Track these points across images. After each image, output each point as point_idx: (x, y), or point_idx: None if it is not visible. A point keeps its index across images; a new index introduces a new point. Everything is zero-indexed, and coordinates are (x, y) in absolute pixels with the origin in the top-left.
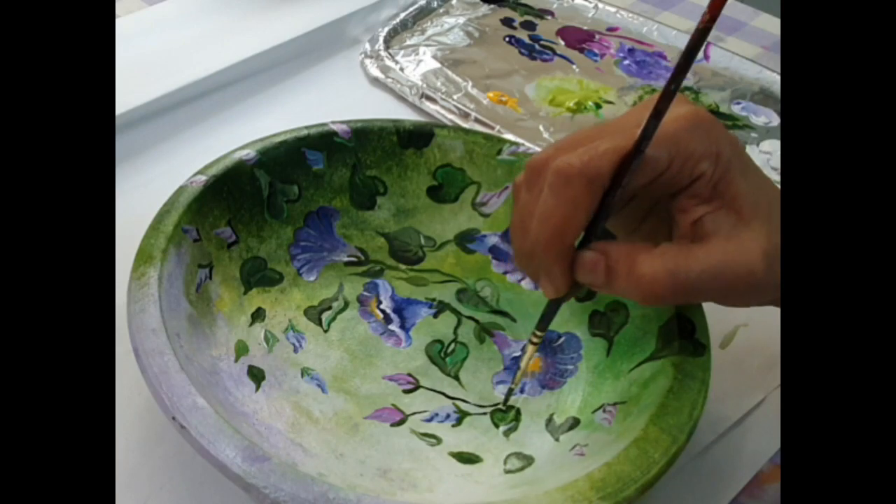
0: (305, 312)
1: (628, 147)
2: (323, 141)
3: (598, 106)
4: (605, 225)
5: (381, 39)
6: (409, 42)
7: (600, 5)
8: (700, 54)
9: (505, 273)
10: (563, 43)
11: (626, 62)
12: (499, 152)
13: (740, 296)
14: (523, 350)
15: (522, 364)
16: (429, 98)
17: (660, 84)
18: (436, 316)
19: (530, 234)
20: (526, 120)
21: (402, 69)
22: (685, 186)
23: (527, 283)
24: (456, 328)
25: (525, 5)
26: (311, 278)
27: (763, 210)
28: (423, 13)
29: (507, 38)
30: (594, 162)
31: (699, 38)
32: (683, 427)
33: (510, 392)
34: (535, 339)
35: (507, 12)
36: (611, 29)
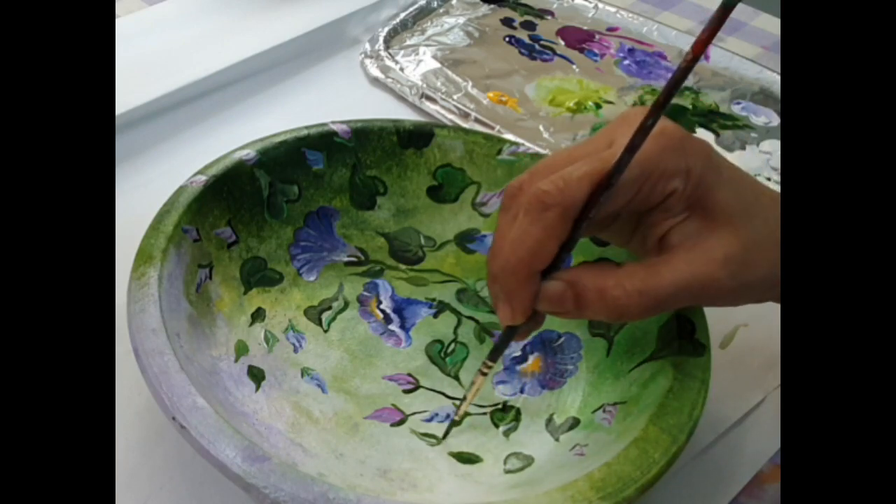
0: (305, 312)
1: (602, 172)
2: (323, 141)
3: (598, 106)
4: (601, 236)
5: (381, 39)
6: (409, 42)
7: (600, 5)
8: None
9: None
10: (563, 43)
11: (626, 62)
12: (499, 152)
13: (712, 301)
14: (472, 383)
15: (469, 395)
16: (429, 98)
17: (660, 84)
18: (436, 316)
19: (500, 257)
20: (526, 120)
21: (402, 69)
22: (656, 204)
23: None
24: (456, 328)
25: (525, 5)
26: (311, 278)
27: (735, 217)
28: (423, 13)
29: (507, 38)
30: (570, 191)
31: (681, 76)
32: (683, 427)
33: (452, 425)
34: (484, 370)
35: (507, 12)
36: (611, 29)
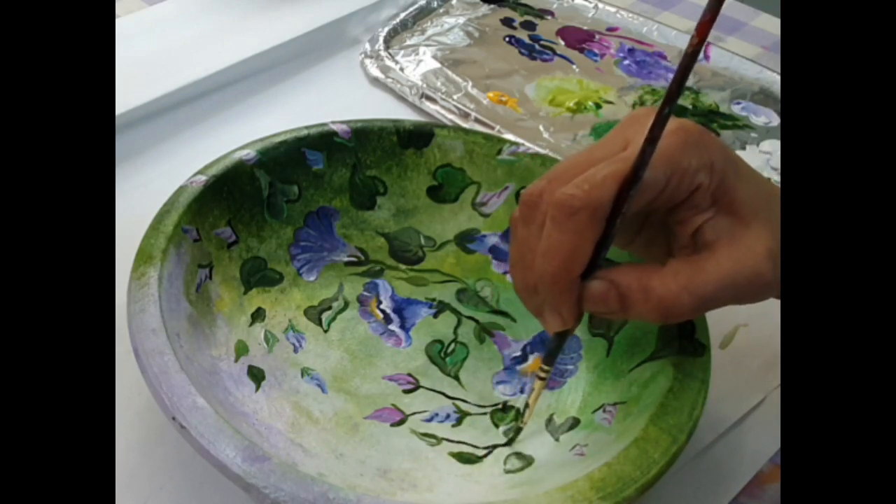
0: (305, 312)
1: (625, 172)
2: (323, 141)
3: (598, 106)
4: (631, 249)
5: (381, 39)
6: (409, 42)
7: (600, 5)
8: (700, 54)
9: (505, 273)
10: (563, 43)
11: (626, 62)
12: (499, 152)
13: (753, 297)
14: (530, 389)
15: (531, 401)
16: (429, 98)
17: (660, 84)
18: (436, 316)
19: (534, 269)
20: (526, 120)
21: (402, 69)
22: (683, 200)
23: None
24: (456, 328)
25: (525, 5)
26: (311, 278)
27: (762, 210)
28: (423, 13)
29: (507, 38)
30: (595, 192)
31: (689, 62)
32: (683, 427)
33: (517, 432)
34: (542, 375)
35: (507, 12)
36: (611, 29)
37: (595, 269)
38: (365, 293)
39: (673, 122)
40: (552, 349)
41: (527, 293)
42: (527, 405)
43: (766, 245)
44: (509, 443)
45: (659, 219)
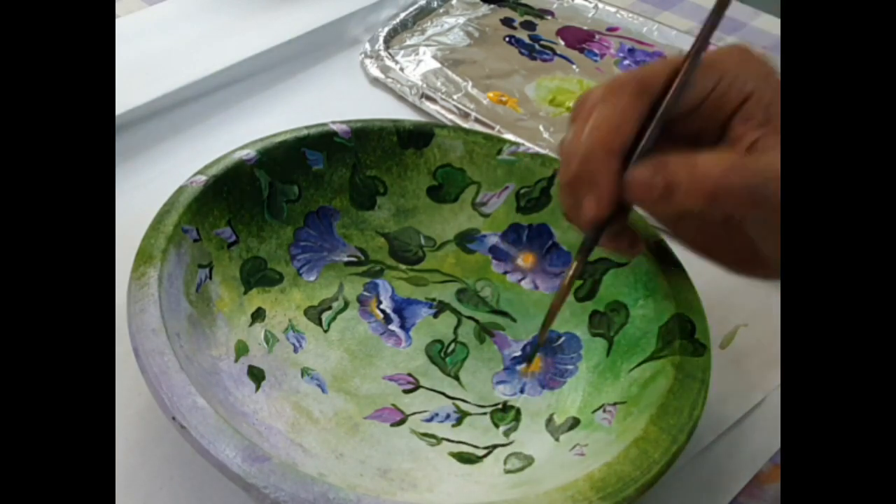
0: (305, 312)
1: (677, 62)
2: (323, 141)
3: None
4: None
5: (381, 39)
6: (409, 42)
7: (600, 5)
8: None
9: (505, 273)
10: (563, 43)
11: (626, 62)
12: (499, 152)
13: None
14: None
15: (556, 301)
16: (429, 98)
17: None
18: (436, 316)
19: (578, 152)
20: (526, 120)
21: (402, 69)
22: (735, 109)
23: (527, 283)
24: (456, 328)
25: (525, 5)
26: (311, 278)
27: None
28: (423, 13)
29: (507, 38)
30: (646, 73)
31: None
32: (683, 427)
33: (535, 348)
34: (571, 274)
35: (507, 12)
36: (611, 29)
37: (639, 156)
38: (365, 293)
39: (732, 45)
40: (586, 243)
41: (568, 187)
42: (551, 310)
43: None
44: (529, 360)
45: (711, 136)
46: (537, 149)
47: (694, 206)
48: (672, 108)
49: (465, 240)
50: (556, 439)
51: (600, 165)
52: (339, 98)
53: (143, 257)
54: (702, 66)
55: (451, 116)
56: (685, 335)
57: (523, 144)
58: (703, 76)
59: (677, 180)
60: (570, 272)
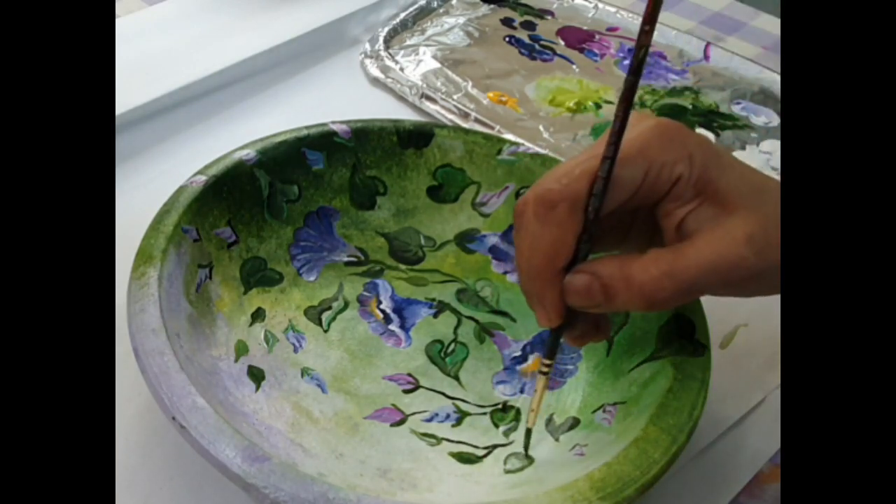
0: (305, 312)
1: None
2: (323, 141)
3: (597, 106)
4: (620, 249)
5: (381, 39)
6: (409, 42)
7: (600, 5)
8: (700, 54)
9: (505, 273)
10: (563, 43)
11: (626, 62)
12: (499, 152)
13: (739, 285)
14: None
15: (534, 401)
16: (429, 98)
17: (660, 84)
18: (436, 316)
19: (522, 273)
20: (526, 120)
21: (402, 69)
22: (665, 193)
23: None
24: (456, 328)
25: (525, 5)
26: (311, 278)
27: (748, 198)
28: (423, 13)
29: (507, 38)
30: (573, 185)
31: (640, 56)
32: (683, 427)
33: (528, 435)
34: (544, 370)
35: (507, 12)
36: (611, 29)
37: (575, 265)
38: (365, 293)
39: (651, 120)
40: (548, 344)
41: (524, 293)
42: (531, 408)
43: (745, 230)
44: (525, 449)
45: (646, 216)
46: (537, 149)
47: (634, 310)
48: (597, 214)
49: (465, 240)
50: (556, 439)
51: (544, 286)
52: (339, 98)
53: (143, 257)
54: (627, 162)
55: (451, 116)
56: (685, 335)
57: (523, 144)
58: (629, 172)
59: (614, 287)
60: (540, 384)
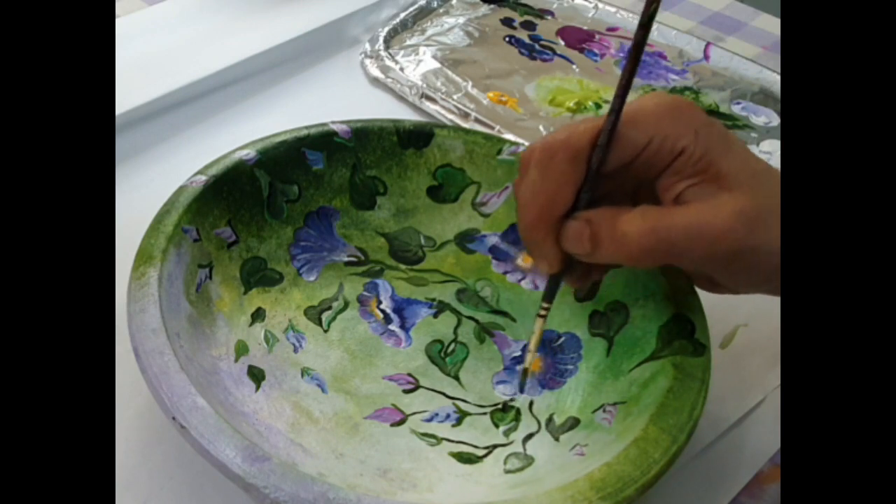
0: (305, 312)
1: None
2: (323, 141)
3: (598, 106)
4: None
5: (381, 39)
6: (409, 42)
7: (600, 5)
8: (700, 54)
9: (505, 273)
10: (563, 43)
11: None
12: (499, 152)
13: (725, 261)
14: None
15: (532, 343)
16: (429, 98)
17: (660, 84)
18: (436, 316)
19: (521, 223)
20: (526, 120)
21: (402, 69)
22: (667, 165)
23: (526, 283)
24: (456, 328)
25: (525, 5)
26: (311, 278)
27: (746, 181)
28: (423, 13)
29: (507, 38)
30: (574, 137)
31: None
32: (683, 427)
33: (525, 374)
34: (542, 312)
35: (507, 12)
36: (611, 29)
37: (575, 212)
38: (365, 293)
39: (665, 96)
40: (547, 288)
41: (525, 241)
42: (527, 349)
43: (738, 205)
44: (521, 389)
45: (647, 189)
46: None
47: (615, 262)
48: (601, 166)
49: (465, 240)
50: (556, 439)
51: (543, 236)
52: (339, 98)
53: (143, 257)
54: (634, 124)
55: (451, 116)
56: (685, 335)
57: (523, 144)
58: (634, 133)
59: (601, 235)
60: (538, 325)
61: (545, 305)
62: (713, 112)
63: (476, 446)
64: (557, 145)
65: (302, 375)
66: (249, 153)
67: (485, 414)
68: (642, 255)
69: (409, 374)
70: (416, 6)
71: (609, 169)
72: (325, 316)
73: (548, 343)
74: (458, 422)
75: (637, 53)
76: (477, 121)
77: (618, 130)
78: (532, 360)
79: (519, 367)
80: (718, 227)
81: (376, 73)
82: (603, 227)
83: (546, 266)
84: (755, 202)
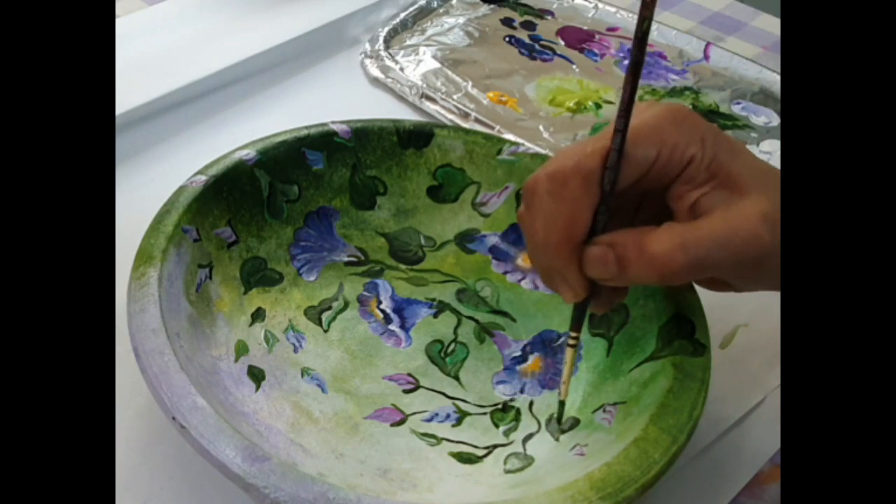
0: (305, 312)
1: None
2: (323, 141)
3: (598, 106)
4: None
5: (381, 39)
6: (409, 42)
7: (600, 5)
8: (700, 54)
9: (505, 273)
10: (563, 43)
11: (626, 62)
12: (499, 152)
13: (751, 266)
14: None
15: (565, 373)
16: (429, 98)
17: (660, 84)
18: (436, 316)
19: (540, 251)
20: (526, 120)
21: (402, 69)
22: (678, 174)
23: (526, 283)
24: (456, 328)
25: (525, 5)
26: (311, 278)
27: (758, 182)
28: (423, 13)
29: (507, 38)
30: (585, 160)
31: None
32: (683, 427)
33: (562, 406)
34: (571, 342)
35: (507, 12)
36: (611, 29)
37: (593, 237)
38: (365, 293)
39: (664, 105)
40: (574, 317)
41: (543, 274)
42: (563, 381)
43: (761, 209)
44: (559, 420)
45: (658, 198)
46: (537, 149)
47: (648, 282)
48: (614, 187)
49: (465, 240)
50: (556, 439)
51: (565, 264)
52: (339, 98)
53: (143, 257)
54: (640, 141)
55: (451, 116)
56: (685, 335)
57: (523, 144)
58: (642, 150)
59: (628, 257)
60: (568, 355)
61: (574, 335)
62: (713, 112)
63: (476, 446)
64: (568, 172)
65: (302, 375)
66: (249, 153)
67: (485, 414)
68: (675, 273)
69: (409, 374)
70: (416, 6)
71: (622, 188)
72: (325, 316)
73: (548, 343)
74: (458, 422)
75: (636, 70)
76: (477, 121)
77: (626, 149)
78: (566, 392)
79: (524, 364)
80: (746, 234)
81: (376, 73)
82: (629, 249)
83: (571, 294)
84: (773, 203)
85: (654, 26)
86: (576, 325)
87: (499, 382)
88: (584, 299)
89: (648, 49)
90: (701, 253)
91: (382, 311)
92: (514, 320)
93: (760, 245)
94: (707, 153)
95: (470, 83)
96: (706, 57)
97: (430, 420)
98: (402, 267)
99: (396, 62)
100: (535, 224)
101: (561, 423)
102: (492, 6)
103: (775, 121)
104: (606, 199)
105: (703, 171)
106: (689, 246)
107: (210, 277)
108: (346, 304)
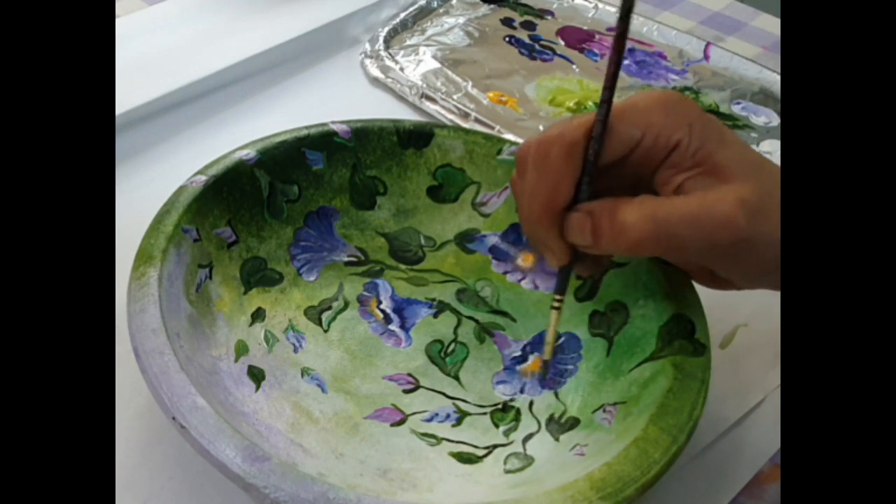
0: (305, 312)
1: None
2: (323, 141)
3: (598, 106)
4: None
5: (381, 39)
6: (409, 42)
7: (600, 5)
8: (700, 54)
9: (505, 273)
10: (563, 43)
11: (626, 62)
12: (499, 152)
13: (724, 251)
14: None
15: (549, 334)
16: (429, 98)
17: (660, 84)
18: (436, 316)
19: (524, 219)
20: (526, 120)
21: (402, 69)
22: (664, 158)
23: (526, 283)
24: (456, 328)
25: (525, 5)
26: (311, 278)
27: (745, 171)
28: (423, 13)
29: (507, 38)
30: (568, 130)
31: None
32: (683, 427)
33: (546, 366)
34: (555, 304)
35: (507, 12)
36: (611, 29)
37: (576, 204)
38: (365, 293)
39: (658, 91)
40: (560, 281)
41: (530, 238)
42: (547, 342)
43: (739, 194)
44: (543, 376)
45: (646, 186)
46: None
47: (618, 253)
48: (597, 158)
49: (465, 240)
50: (556, 439)
51: (546, 231)
52: (339, 98)
53: (143, 257)
54: (626, 119)
55: (451, 116)
56: (685, 335)
57: None
58: (627, 128)
59: (601, 226)
60: (553, 317)
61: (558, 297)
62: (713, 112)
63: (476, 446)
64: (552, 140)
65: (302, 375)
66: (249, 153)
67: (485, 414)
68: (641, 244)
69: (409, 374)
70: (416, 6)
71: (606, 162)
72: (325, 316)
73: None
74: (458, 422)
75: (620, 41)
76: (477, 121)
77: (610, 124)
78: (551, 352)
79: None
80: (719, 216)
81: (376, 73)
82: (603, 217)
83: (554, 259)
84: (755, 191)
85: (654, 26)
86: (559, 289)
87: (499, 382)
88: (567, 264)
89: (648, 49)
90: (671, 228)
91: (382, 311)
92: (514, 320)
93: (734, 229)
94: (694, 140)
95: (470, 83)
96: (706, 57)
97: (430, 420)
98: (402, 267)
99: (396, 62)
100: (521, 191)
101: (543, 386)
102: (492, 6)
103: (775, 121)
104: (589, 170)
105: (689, 158)
106: (659, 219)
107: (210, 277)
108: (346, 304)
